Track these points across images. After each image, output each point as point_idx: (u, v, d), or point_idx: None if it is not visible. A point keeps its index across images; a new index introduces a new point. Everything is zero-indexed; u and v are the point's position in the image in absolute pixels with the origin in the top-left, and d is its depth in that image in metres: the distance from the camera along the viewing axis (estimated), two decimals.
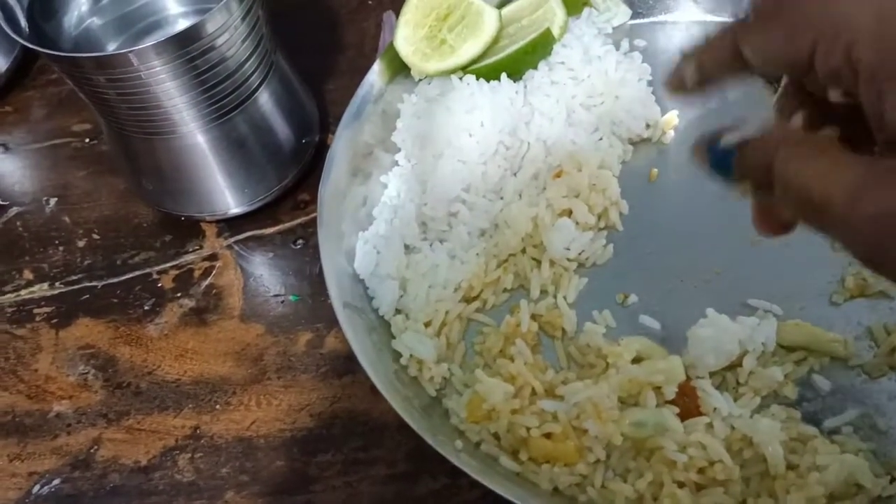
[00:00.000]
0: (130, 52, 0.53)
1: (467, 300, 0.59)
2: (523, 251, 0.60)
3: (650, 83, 0.67)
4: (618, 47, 0.69)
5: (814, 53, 0.29)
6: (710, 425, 0.48)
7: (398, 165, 0.64)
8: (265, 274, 0.66)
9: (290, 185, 0.69)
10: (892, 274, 0.29)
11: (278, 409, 0.59)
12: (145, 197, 0.70)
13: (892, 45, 0.27)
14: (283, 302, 0.64)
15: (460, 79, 0.62)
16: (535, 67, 0.64)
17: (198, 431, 0.59)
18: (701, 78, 0.34)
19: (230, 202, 0.67)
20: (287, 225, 0.68)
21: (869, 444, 0.50)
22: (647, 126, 0.65)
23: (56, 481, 0.58)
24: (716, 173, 0.34)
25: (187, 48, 0.55)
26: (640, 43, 0.70)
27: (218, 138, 0.63)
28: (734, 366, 0.52)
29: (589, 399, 0.47)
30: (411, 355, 0.55)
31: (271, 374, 0.61)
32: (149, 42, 0.53)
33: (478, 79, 0.62)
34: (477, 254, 0.60)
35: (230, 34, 0.56)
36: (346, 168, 0.63)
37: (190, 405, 0.60)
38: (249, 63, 0.60)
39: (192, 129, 0.62)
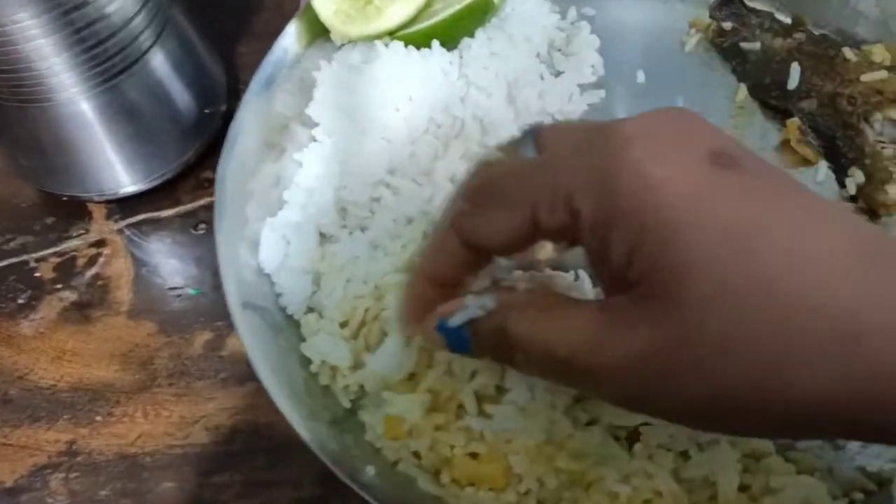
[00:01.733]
0: None
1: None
2: None
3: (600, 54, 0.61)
4: (564, 16, 0.62)
5: (536, 218, 0.29)
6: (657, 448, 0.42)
7: (316, 142, 0.56)
8: (160, 263, 0.58)
9: (192, 160, 0.60)
10: (654, 413, 0.30)
11: (168, 421, 0.51)
12: (22, 174, 0.60)
13: (608, 193, 0.27)
14: (179, 296, 0.56)
15: (386, 45, 0.54)
16: (472, 36, 0.57)
17: (74, 447, 0.51)
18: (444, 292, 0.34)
19: (121, 180, 0.58)
20: (188, 207, 0.60)
21: (825, 462, 0.45)
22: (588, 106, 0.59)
23: None
24: (455, 351, 0.35)
25: None
26: (588, 11, 0.64)
27: (104, 106, 0.54)
28: None
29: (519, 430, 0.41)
30: (323, 361, 0.48)
31: (162, 380, 0.53)
32: None
33: (407, 46, 0.55)
34: (403, 244, 0.53)
35: None
36: (254, 143, 0.55)
37: (66, 416, 0.52)
38: (138, 19, 0.52)
39: (72, 96, 0.53)
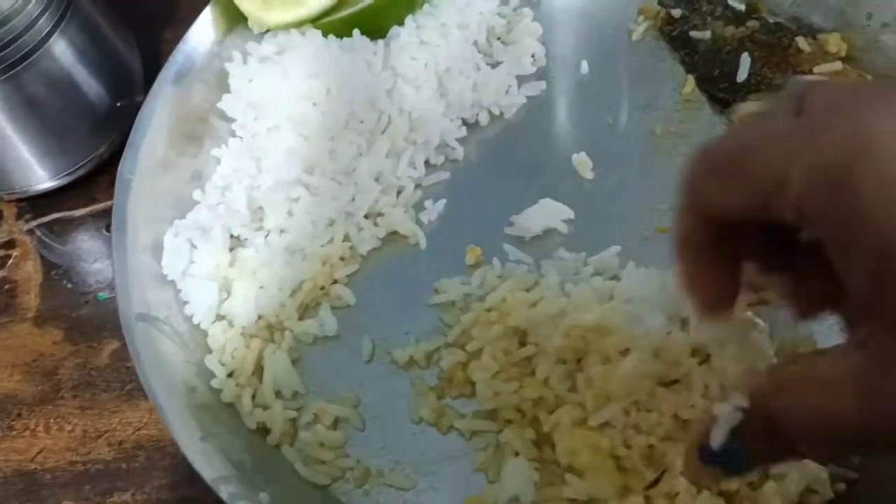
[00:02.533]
0: None
1: (308, 305, 0.49)
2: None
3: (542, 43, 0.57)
4: (506, 2, 0.59)
5: (767, 203, 0.25)
6: None
7: (236, 137, 0.53)
8: (71, 266, 0.55)
9: (107, 155, 0.56)
10: None
11: (71, 436, 0.48)
12: None
13: (841, 197, 0.23)
14: (87, 302, 0.53)
15: (303, 34, 0.51)
16: (402, 24, 0.54)
17: None
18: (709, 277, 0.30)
19: (31, 177, 0.55)
20: (103, 205, 0.56)
21: None
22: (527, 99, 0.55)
23: None
24: (733, 473, 0.30)
25: None
26: None
27: (5, 99, 0.51)
28: None
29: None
30: (229, 375, 0.45)
31: (66, 391, 0.50)
32: None
33: (326, 35, 0.51)
34: (322, 245, 0.50)
35: None
36: (166, 138, 0.51)
37: None
38: (32, 4, 0.48)
39: None
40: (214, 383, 0.44)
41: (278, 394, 0.46)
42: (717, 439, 0.27)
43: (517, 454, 0.41)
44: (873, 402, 0.23)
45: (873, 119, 0.23)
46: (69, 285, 0.54)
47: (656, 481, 0.39)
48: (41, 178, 0.55)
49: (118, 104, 0.55)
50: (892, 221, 0.22)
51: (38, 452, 0.48)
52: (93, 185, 0.57)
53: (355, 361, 0.47)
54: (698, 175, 0.28)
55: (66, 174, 0.55)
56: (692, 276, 0.30)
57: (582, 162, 0.53)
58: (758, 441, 0.27)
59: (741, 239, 0.29)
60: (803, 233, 0.25)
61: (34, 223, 0.56)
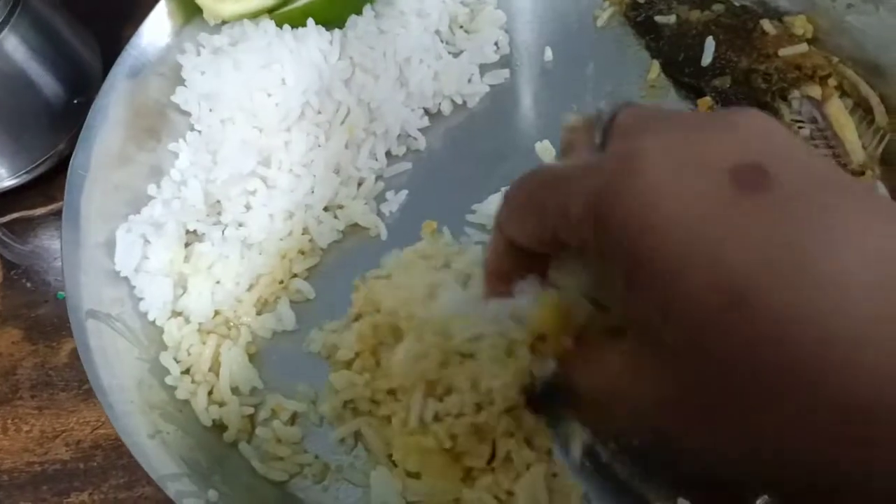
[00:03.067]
0: None
1: (266, 300, 0.48)
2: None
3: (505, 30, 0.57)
4: None
5: (556, 235, 0.28)
6: None
7: (194, 131, 0.52)
8: (31, 265, 0.54)
9: (67, 152, 0.55)
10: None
11: (28, 436, 0.48)
12: None
13: (604, 226, 0.25)
14: (47, 301, 0.52)
15: (256, 25, 0.50)
16: (359, 13, 0.53)
17: None
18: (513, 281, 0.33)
19: None
20: (62, 203, 0.56)
21: None
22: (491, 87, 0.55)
23: None
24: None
25: None
26: None
27: None
28: None
29: None
30: (185, 371, 0.44)
31: (24, 391, 0.49)
32: None
33: (281, 26, 0.50)
34: (281, 238, 0.49)
35: None
36: (121, 132, 0.51)
37: None
38: None
39: None
40: (168, 380, 0.44)
41: (235, 390, 0.45)
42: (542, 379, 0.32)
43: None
44: (625, 402, 0.26)
45: (646, 138, 0.25)
46: (28, 285, 0.53)
47: (493, 455, 0.38)
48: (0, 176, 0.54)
49: (75, 101, 0.55)
50: (641, 244, 0.23)
51: None
52: (52, 183, 0.56)
53: (314, 356, 0.46)
54: (506, 218, 0.31)
55: (25, 172, 0.55)
56: (495, 284, 0.34)
57: (545, 150, 0.52)
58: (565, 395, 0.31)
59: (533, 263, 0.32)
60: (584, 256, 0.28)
61: None
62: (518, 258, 0.32)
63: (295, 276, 0.49)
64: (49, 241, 0.55)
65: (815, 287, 0.21)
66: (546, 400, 0.34)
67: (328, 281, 0.49)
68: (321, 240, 0.50)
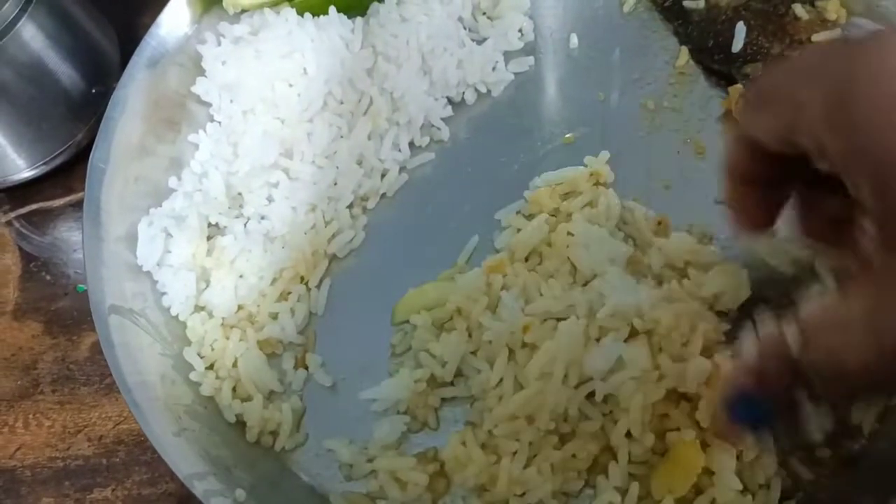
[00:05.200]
0: None
1: (284, 295, 0.47)
2: None
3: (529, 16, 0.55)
4: None
5: (792, 131, 0.26)
6: None
7: (214, 122, 0.51)
8: (50, 258, 0.53)
9: (85, 142, 0.55)
10: None
11: (50, 431, 0.47)
12: None
13: (840, 122, 0.23)
14: (67, 294, 0.52)
15: (277, 14, 0.49)
16: (381, 0, 0.52)
17: None
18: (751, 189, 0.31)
19: (7, 167, 0.54)
20: (81, 195, 0.53)
21: None
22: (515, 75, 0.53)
23: None
24: (757, 429, 0.32)
25: None
26: None
27: None
28: None
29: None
30: (209, 367, 0.44)
31: (45, 386, 0.49)
32: None
33: (302, 13, 0.49)
34: (305, 232, 0.48)
35: None
36: (140, 124, 0.50)
37: None
38: None
39: None
40: (193, 376, 0.43)
41: (257, 387, 0.44)
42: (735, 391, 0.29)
43: None
44: (883, 335, 0.23)
45: (875, 54, 0.23)
46: (48, 277, 0.53)
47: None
48: (18, 167, 0.54)
49: (93, 90, 0.54)
50: (887, 132, 0.21)
51: (18, 449, 0.47)
52: (71, 174, 0.56)
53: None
54: (742, 109, 0.29)
55: (43, 163, 0.54)
56: (735, 199, 0.32)
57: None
58: (780, 392, 0.28)
59: (784, 174, 0.30)
60: (821, 163, 0.26)
61: (12, 214, 0.55)
62: (757, 160, 0.29)
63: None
64: (68, 233, 0.54)
65: None
66: (753, 410, 0.30)
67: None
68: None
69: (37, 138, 0.53)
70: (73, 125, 0.54)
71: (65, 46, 0.52)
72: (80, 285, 0.52)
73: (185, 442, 0.39)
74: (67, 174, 0.56)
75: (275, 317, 0.46)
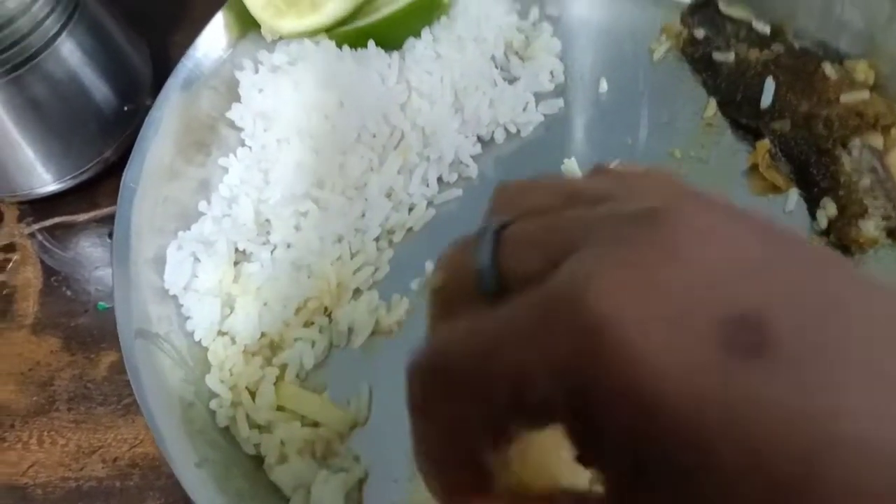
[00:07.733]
0: None
1: (307, 325, 0.47)
2: None
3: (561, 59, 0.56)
4: (525, 16, 0.57)
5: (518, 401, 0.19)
6: None
7: (244, 147, 0.52)
8: (71, 273, 0.53)
9: (113, 159, 0.55)
10: None
11: (64, 450, 0.47)
12: None
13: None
14: (87, 311, 0.52)
15: (316, 44, 0.49)
16: (418, 35, 0.52)
17: None
18: None
19: (34, 179, 0.54)
20: (105, 211, 0.55)
21: None
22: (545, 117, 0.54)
23: None
24: None
25: None
26: (552, 12, 0.58)
27: (9, 100, 0.49)
28: None
29: None
30: (230, 393, 0.44)
31: (61, 404, 0.48)
32: None
33: (340, 45, 0.50)
34: (331, 263, 0.48)
35: None
36: (172, 146, 0.50)
37: None
38: (39, 4, 0.47)
39: None
40: (213, 404, 0.43)
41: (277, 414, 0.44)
42: None
43: None
44: None
45: (582, 263, 0.18)
46: (69, 293, 0.53)
47: None
48: (44, 180, 0.54)
49: (125, 108, 0.54)
50: (643, 411, 0.17)
51: (30, 466, 0.47)
52: (96, 189, 0.56)
53: None
54: (430, 399, 0.21)
55: (70, 178, 0.54)
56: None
57: (571, 168, 0.52)
58: None
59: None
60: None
61: (35, 227, 0.55)
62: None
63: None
64: (91, 249, 0.54)
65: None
66: None
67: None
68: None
69: (66, 153, 0.53)
70: (102, 142, 0.54)
71: (100, 63, 0.52)
72: (101, 303, 0.52)
73: (206, 474, 0.39)
74: (93, 189, 0.56)
75: (295, 345, 0.46)
